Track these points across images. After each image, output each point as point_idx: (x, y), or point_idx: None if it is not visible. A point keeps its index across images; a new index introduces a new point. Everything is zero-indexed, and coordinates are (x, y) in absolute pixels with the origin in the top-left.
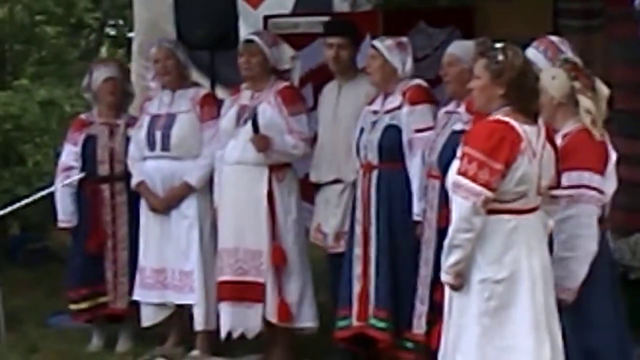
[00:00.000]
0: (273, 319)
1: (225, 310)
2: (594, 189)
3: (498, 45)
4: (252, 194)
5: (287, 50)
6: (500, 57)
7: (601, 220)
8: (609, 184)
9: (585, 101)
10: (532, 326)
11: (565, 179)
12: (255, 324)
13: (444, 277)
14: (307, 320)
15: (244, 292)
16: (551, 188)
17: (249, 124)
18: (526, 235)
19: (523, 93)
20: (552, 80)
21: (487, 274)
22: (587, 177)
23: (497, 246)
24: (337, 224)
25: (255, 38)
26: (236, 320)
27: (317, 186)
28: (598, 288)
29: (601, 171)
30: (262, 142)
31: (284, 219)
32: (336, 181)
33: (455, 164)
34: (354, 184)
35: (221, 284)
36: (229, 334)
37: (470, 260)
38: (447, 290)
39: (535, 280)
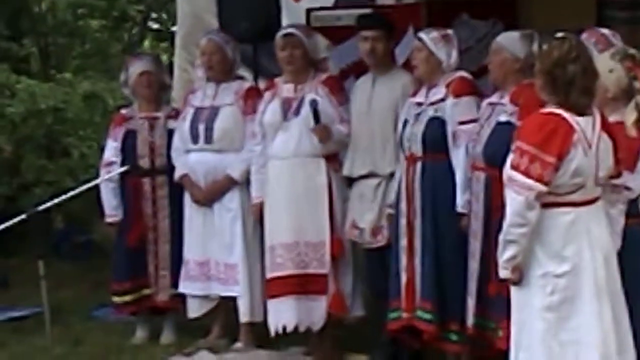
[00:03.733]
0: (329, 310)
1: (290, 304)
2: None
3: (557, 35)
4: (311, 186)
5: (321, 40)
6: (544, 47)
7: (630, 215)
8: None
9: None
10: (597, 319)
11: None
12: (320, 316)
13: (502, 272)
14: (358, 309)
15: (307, 285)
16: (612, 177)
17: (301, 116)
18: (586, 227)
19: (558, 85)
20: (609, 73)
21: (547, 268)
22: None
23: (557, 239)
24: (374, 218)
25: (294, 31)
26: (302, 314)
27: (350, 181)
28: (632, 285)
29: (630, 167)
30: (324, 132)
31: (341, 210)
32: (370, 175)
33: (509, 158)
34: (389, 177)
35: (281, 279)
36: (297, 327)
37: (529, 254)
38: (511, 287)
39: (598, 271)
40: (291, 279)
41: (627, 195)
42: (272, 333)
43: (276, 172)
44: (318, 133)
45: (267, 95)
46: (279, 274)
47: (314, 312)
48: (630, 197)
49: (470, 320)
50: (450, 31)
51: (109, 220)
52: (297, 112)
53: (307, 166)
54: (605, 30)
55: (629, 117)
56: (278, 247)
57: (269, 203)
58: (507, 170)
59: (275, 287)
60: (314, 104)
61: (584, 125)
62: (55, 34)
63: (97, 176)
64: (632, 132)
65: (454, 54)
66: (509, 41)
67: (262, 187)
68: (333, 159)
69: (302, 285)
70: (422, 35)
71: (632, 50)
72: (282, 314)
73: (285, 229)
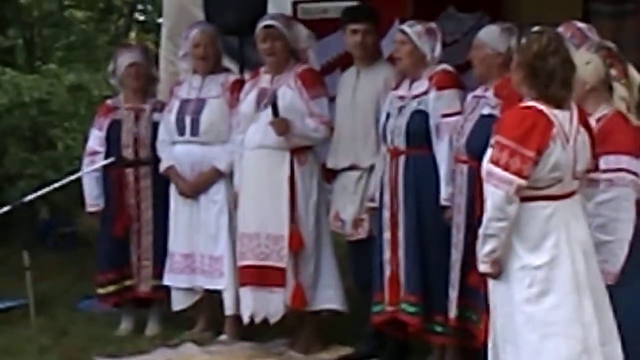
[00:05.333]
0: (288, 302)
1: (247, 295)
2: (633, 172)
3: (533, 29)
4: (274, 178)
5: (303, 30)
6: (523, 40)
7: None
8: None
9: (620, 89)
10: (577, 312)
11: (603, 163)
12: (277, 308)
13: (481, 266)
14: (325, 302)
15: (265, 277)
16: (588, 171)
17: (270, 108)
18: (565, 220)
19: (538, 78)
20: (586, 66)
21: (526, 261)
22: (626, 160)
23: (535, 233)
24: (355, 211)
25: (275, 22)
26: (258, 305)
27: (334, 173)
28: (632, 274)
29: (637, 155)
30: (281, 126)
31: (305, 203)
32: (352, 167)
33: (488, 153)
34: (369, 170)
35: (243, 269)
36: (253, 318)
37: (508, 248)
38: (489, 280)
39: (577, 265)
40: (249, 270)
41: (638, 183)
42: (245, 321)
43: (247, 162)
44: (275, 127)
45: (248, 84)
46: (241, 263)
47: (271, 304)
48: (639, 184)
49: (452, 311)
50: (434, 25)
51: (90, 209)
52: (267, 104)
53: (271, 158)
54: (581, 24)
55: (622, 107)
56: (244, 236)
57: (241, 192)
58: (487, 165)
59: (240, 276)
60: (273, 98)
61: (562, 119)
62: (41, 25)
63: (81, 167)
64: (634, 121)
65: (438, 47)
66: (490, 36)
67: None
68: (299, 152)
69: (259, 276)
70: (405, 28)
71: (607, 43)
72: (241, 303)
73: (249, 220)
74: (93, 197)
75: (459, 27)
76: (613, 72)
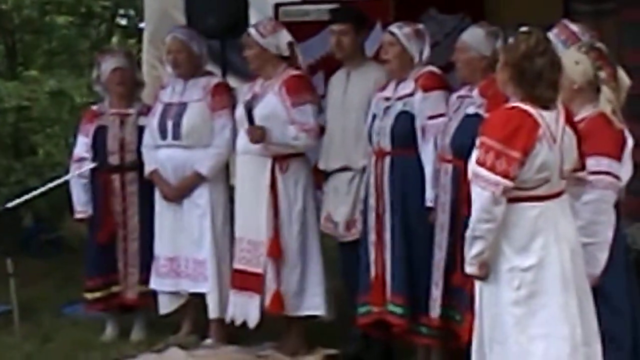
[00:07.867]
0: (266, 306)
1: (231, 297)
2: (613, 175)
3: (521, 29)
4: (256, 184)
5: (285, 37)
6: (510, 40)
7: (616, 206)
8: (625, 170)
9: (607, 92)
10: (564, 311)
11: None
12: (255, 314)
13: (468, 268)
14: (310, 308)
15: (245, 281)
16: (575, 171)
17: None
18: (553, 221)
19: (525, 78)
20: (576, 66)
21: (514, 262)
22: (606, 163)
23: (523, 234)
24: (347, 212)
25: (251, 30)
26: (238, 308)
27: (326, 175)
28: (614, 273)
29: (618, 157)
30: (257, 134)
31: (288, 210)
32: (345, 169)
33: (474, 154)
34: (362, 171)
35: (232, 272)
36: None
37: (496, 250)
38: (476, 282)
39: (565, 265)
40: (234, 273)
41: (617, 186)
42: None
43: (237, 166)
44: (250, 134)
45: (246, 87)
46: (233, 266)
47: (249, 308)
48: (620, 186)
49: (436, 311)
50: (421, 26)
51: (78, 216)
52: (244, 110)
53: (254, 164)
54: (575, 28)
55: (607, 110)
56: (236, 239)
57: (235, 195)
58: (473, 166)
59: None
60: (248, 105)
61: (549, 120)
62: (22, 31)
63: (65, 173)
64: (617, 123)
65: (426, 49)
66: (475, 39)
67: None
68: (281, 159)
69: (240, 280)
70: (394, 30)
71: (598, 44)
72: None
73: (237, 224)
74: (81, 204)
75: (440, 29)
76: (602, 74)
